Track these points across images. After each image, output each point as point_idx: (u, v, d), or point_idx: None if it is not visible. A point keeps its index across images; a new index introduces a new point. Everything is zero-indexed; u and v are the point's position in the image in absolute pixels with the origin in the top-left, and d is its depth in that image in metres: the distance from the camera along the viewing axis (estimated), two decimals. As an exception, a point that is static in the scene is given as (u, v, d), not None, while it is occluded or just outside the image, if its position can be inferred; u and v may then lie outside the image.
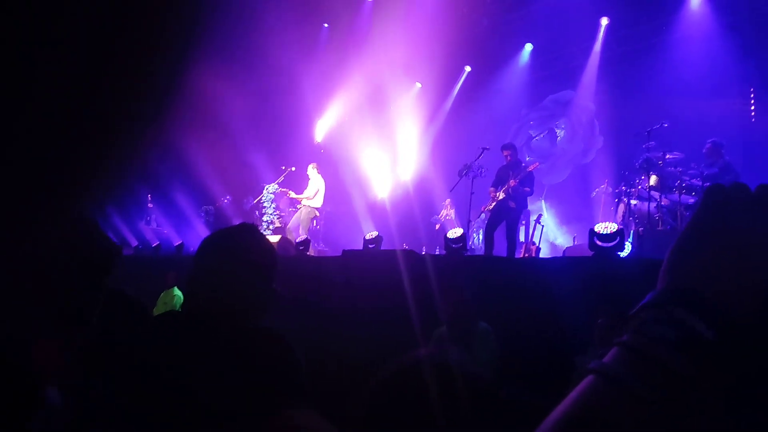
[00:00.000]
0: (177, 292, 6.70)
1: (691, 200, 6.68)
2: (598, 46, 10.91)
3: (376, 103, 13.64)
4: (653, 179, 6.87)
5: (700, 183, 6.61)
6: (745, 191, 0.52)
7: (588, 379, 0.47)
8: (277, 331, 1.32)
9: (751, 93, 8.37)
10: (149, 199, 12.57)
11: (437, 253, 9.80)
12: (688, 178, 6.78)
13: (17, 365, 0.78)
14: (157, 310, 6.52)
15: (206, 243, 1.42)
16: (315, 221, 10.54)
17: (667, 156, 6.97)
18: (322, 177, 9.94)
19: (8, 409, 0.78)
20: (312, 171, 9.90)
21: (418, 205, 12.42)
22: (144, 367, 1.12)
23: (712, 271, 0.48)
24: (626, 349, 0.46)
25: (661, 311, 0.47)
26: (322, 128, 14.23)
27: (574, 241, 9.46)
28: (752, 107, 8.36)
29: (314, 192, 9.66)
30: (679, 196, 6.61)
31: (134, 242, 11.14)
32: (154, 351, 1.16)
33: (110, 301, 1.45)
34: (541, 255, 8.73)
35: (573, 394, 0.47)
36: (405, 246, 10.56)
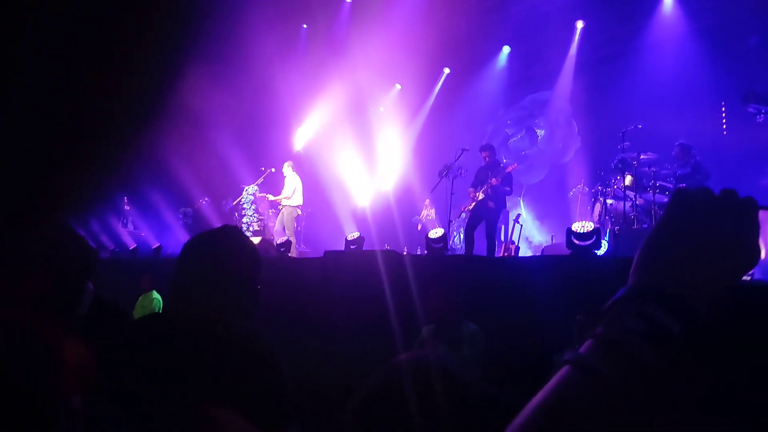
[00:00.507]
0: (156, 295, 6.61)
1: (665, 199, 6.84)
2: (574, 49, 11.09)
3: (356, 104, 13.65)
4: (628, 179, 7.02)
5: (673, 183, 6.78)
6: (710, 195, 0.56)
7: (564, 370, 0.51)
8: (262, 334, 1.31)
9: (722, 106, 8.58)
10: (126, 201, 12.37)
11: (419, 252, 9.85)
12: (661, 179, 6.95)
13: (49, 370, 0.77)
14: (136, 313, 6.43)
15: (189, 246, 1.40)
16: (297, 223, 10.49)
17: (642, 156, 7.13)
18: (299, 175, 9.84)
19: (38, 418, 0.76)
20: (287, 169, 9.74)
21: (398, 206, 12.47)
22: (127, 373, 1.12)
23: (678, 269, 0.52)
24: (599, 341, 0.50)
25: (631, 306, 0.50)
26: (302, 132, 14.14)
27: (552, 239, 9.61)
28: (723, 115, 8.59)
29: (292, 190, 9.53)
30: (653, 195, 6.77)
31: (111, 245, 10.95)
32: (137, 355, 1.15)
33: (91, 307, 1.44)
34: (520, 254, 8.85)
35: (549, 384, 0.51)
36: (387, 246, 10.59)
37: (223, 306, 1.31)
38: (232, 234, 1.43)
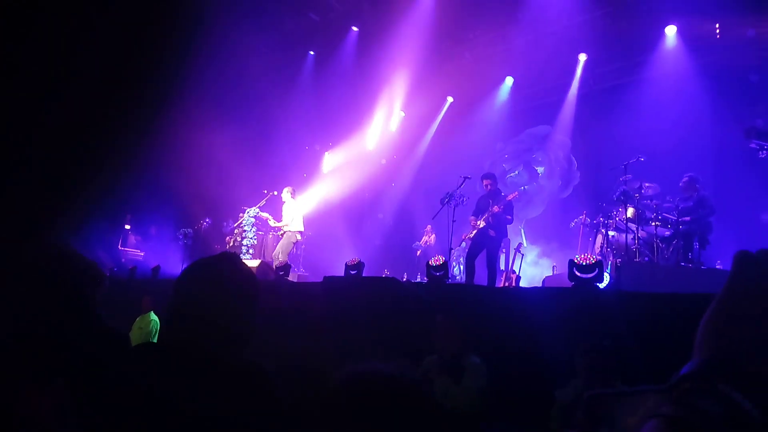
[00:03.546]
0: (153, 316, 6.54)
1: (667, 233, 6.82)
2: (576, 81, 11.23)
3: (360, 129, 13.79)
4: (630, 211, 7.01)
5: (676, 216, 6.77)
6: None
7: None
8: (259, 367, 1.29)
9: (723, 141, 8.59)
10: (126, 220, 12.37)
11: (419, 279, 9.79)
12: (663, 211, 6.94)
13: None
14: (133, 334, 6.36)
15: (186, 273, 1.38)
16: (295, 247, 10.44)
17: (643, 189, 7.14)
18: (297, 201, 9.79)
19: None
20: (286, 195, 9.61)
21: (399, 232, 12.46)
22: (124, 402, 1.08)
23: (750, 341, 0.48)
24: (668, 421, 0.45)
25: (703, 384, 0.46)
26: (329, 157, 14.37)
27: (553, 270, 9.55)
28: (724, 150, 8.61)
29: (290, 218, 9.46)
30: (655, 228, 6.75)
31: (109, 265, 10.89)
32: (133, 386, 1.12)
33: (91, 332, 1.41)
34: (521, 284, 8.78)
35: None
36: (386, 272, 10.54)
37: (220, 335, 1.28)
38: (231, 262, 1.41)
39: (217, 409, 1.08)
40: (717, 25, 9.41)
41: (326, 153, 14.50)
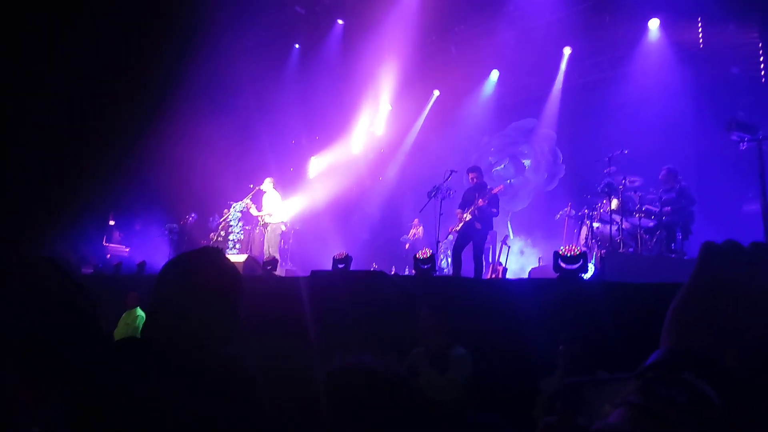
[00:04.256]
0: (140, 312, 6.50)
1: (651, 224, 6.92)
2: (561, 75, 11.30)
3: (346, 123, 13.75)
4: (614, 203, 7.09)
5: (659, 207, 6.87)
6: (740, 248, 0.53)
7: None
8: (240, 362, 1.28)
9: (705, 133, 8.71)
10: (111, 216, 12.23)
11: (407, 272, 9.83)
12: (647, 203, 7.04)
13: None
14: (119, 330, 6.31)
15: (167, 268, 1.36)
16: (283, 241, 10.40)
17: (627, 181, 7.23)
18: (280, 192, 9.74)
19: None
20: (268, 186, 9.55)
21: (387, 225, 12.48)
22: (106, 399, 1.08)
23: (715, 331, 0.49)
24: (634, 408, 0.46)
25: (668, 373, 0.46)
26: (315, 161, 14.29)
27: (539, 261, 9.64)
28: (706, 142, 8.74)
29: (273, 207, 9.40)
30: (639, 219, 6.84)
31: (94, 261, 10.77)
32: (114, 383, 1.10)
33: (71, 330, 1.40)
34: (508, 275, 8.86)
35: None
36: (374, 265, 10.56)
37: (201, 331, 1.27)
38: (213, 256, 1.39)
39: (194, 408, 1.07)
40: (699, 18, 9.52)
41: (312, 157, 14.42)
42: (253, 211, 9.73)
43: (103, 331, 1.29)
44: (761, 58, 8.82)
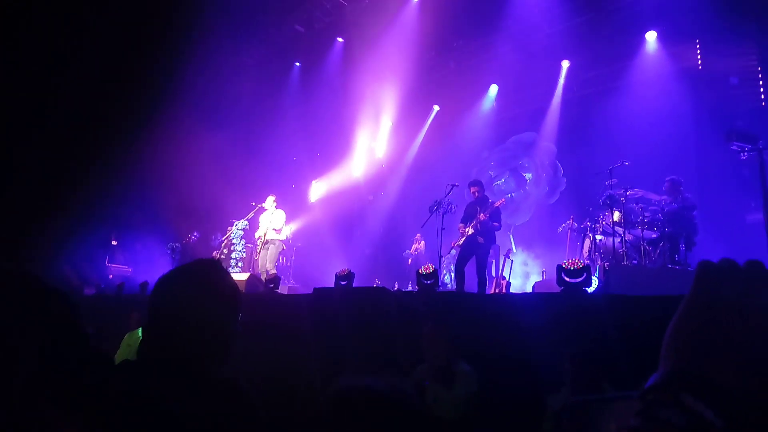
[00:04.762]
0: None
1: (654, 235, 6.89)
2: (560, 88, 11.36)
3: (347, 140, 13.82)
4: (617, 215, 7.07)
5: (661, 219, 6.85)
6: (736, 267, 0.53)
7: None
8: (238, 383, 1.23)
9: (706, 144, 8.73)
10: (113, 236, 12.25)
11: (409, 288, 9.79)
12: (649, 214, 7.01)
13: None
14: (121, 352, 6.27)
15: (161, 283, 1.28)
16: (282, 257, 10.35)
17: (629, 192, 7.22)
18: (284, 209, 9.70)
19: None
20: (270, 204, 9.47)
21: (389, 240, 12.46)
22: (103, 424, 1.05)
23: (713, 350, 0.48)
24: None
25: (667, 395, 0.46)
26: (317, 185, 14.36)
27: (542, 275, 9.59)
28: (707, 152, 8.75)
29: (282, 224, 9.37)
30: (642, 231, 6.82)
31: (97, 281, 10.76)
32: (111, 407, 1.06)
33: (72, 348, 1.37)
34: (511, 289, 8.82)
35: None
36: (377, 282, 10.52)
37: (197, 348, 1.21)
38: (208, 268, 1.30)
39: (189, 426, 1.04)
40: (697, 36, 9.58)
41: (313, 181, 14.46)
42: (270, 234, 9.45)
43: (88, 340, 1.24)
44: (758, 67, 8.87)
